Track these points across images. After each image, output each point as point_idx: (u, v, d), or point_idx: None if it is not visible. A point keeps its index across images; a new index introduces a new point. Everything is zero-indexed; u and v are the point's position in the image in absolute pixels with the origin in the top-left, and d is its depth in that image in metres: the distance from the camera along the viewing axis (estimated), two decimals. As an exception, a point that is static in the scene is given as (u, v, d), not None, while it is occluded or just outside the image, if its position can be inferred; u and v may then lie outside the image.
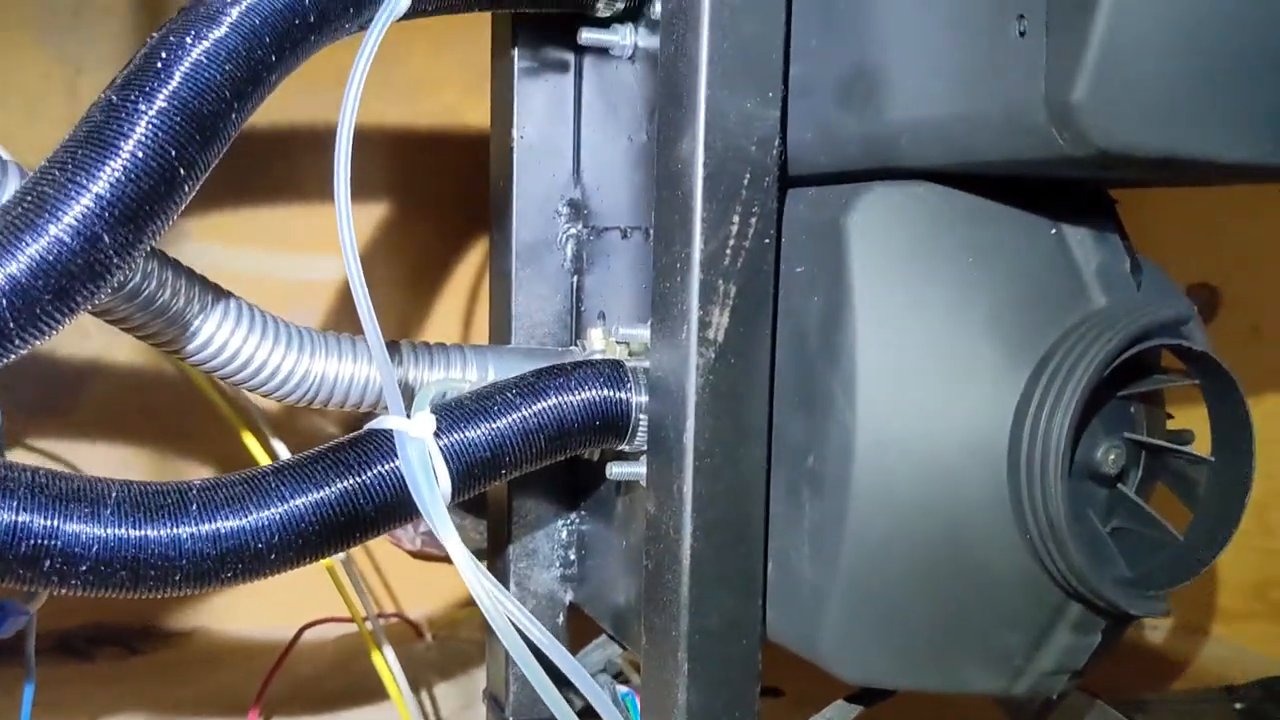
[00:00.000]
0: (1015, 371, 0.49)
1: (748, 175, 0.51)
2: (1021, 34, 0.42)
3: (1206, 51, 0.40)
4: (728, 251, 0.51)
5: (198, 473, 1.05)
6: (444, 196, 1.12)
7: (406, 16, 0.55)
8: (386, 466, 0.52)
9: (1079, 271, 0.50)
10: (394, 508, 0.52)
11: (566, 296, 0.71)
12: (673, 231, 0.52)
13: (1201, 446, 0.52)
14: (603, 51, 0.63)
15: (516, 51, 0.68)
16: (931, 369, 0.49)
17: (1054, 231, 0.51)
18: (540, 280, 0.70)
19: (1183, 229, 1.00)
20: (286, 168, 1.06)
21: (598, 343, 0.63)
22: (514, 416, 0.55)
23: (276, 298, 1.03)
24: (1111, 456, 0.51)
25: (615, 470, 0.59)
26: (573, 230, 0.70)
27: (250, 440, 0.66)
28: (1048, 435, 0.47)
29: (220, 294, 0.55)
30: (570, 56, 0.69)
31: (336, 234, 0.51)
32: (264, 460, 0.66)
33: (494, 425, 0.54)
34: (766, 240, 0.51)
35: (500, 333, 0.71)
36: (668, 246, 0.52)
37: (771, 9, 0.50)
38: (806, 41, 0.53)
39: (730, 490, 0.52)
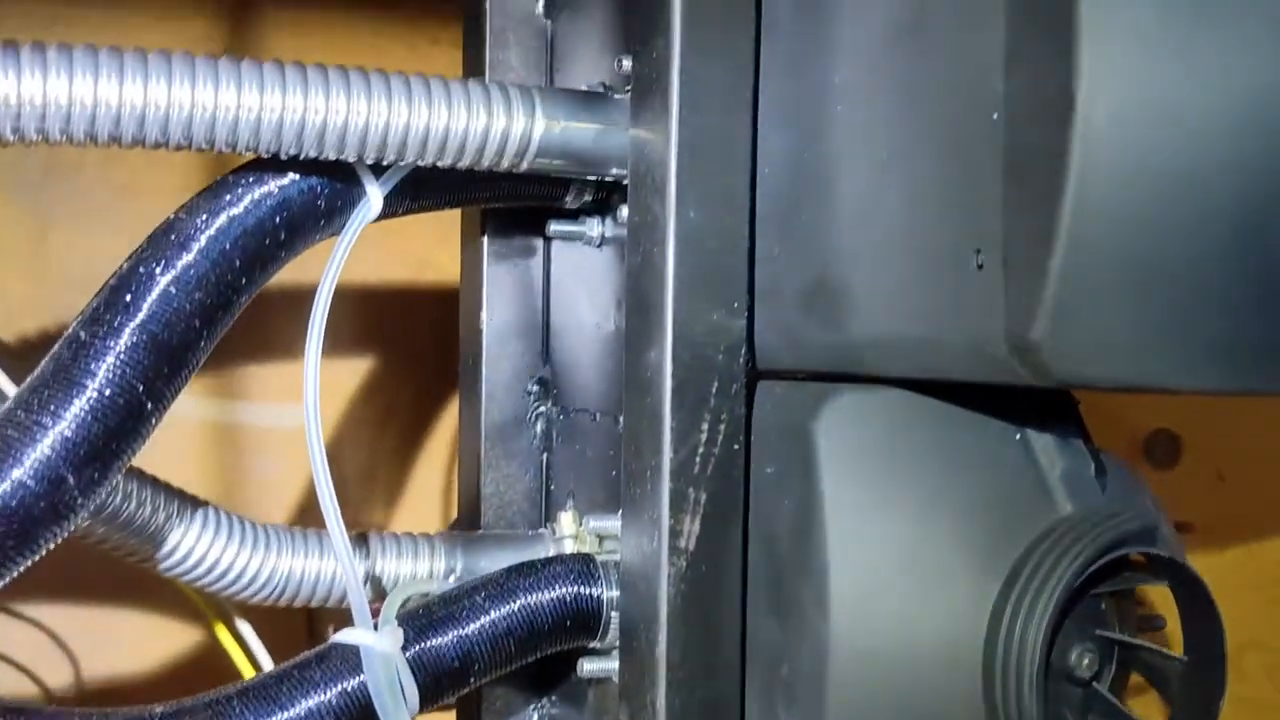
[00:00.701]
0: (986, 581, 0.49)
1: (715, 383, 0.51)
2: (980, 267, 0.43)
3: (1163, 286, 0.40)
4: (697, 459, 0.51)
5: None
6: (415, 344, 1.12)
7: (378, 219, 0.56)
8: (352, 683, 0.51)
9: (1044, 477, 0.51)
10: (361, 724, 0.51)
11: (536, 475, 0.71)
12: (642, 439, 0.52)
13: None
14: (573, 235, 0.65)
15: (486, 238, 0.69)
16: (904, 577, 0.49)
17: (1019, 436, 0.52)
18: (510, 459, 0.70)
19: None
20: (257, 319, 1.06)
21: (568, 527, 0.63)
22: (483, 621, 0.54)
23: (241, 447, 1.02)
24: (1085, 661, 0.51)
25: (587, 668, 0.58)
26: (542, 409, 0.70)
27: (224, 634, 0.65)
28: (1022, 649, 0.47)
29: (186, 500, 0.55)
30: (539, 240, 0.70)
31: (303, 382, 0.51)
32: (238, 654, 0.65)
33: (462, 632, 0.54)
34: (736, 446, 0.52)
35: (470, 512, 0.71)
36: (638, 453, 0.52)
37: (734, 224, 0.51)
38: (769, 248, 0.54)
39: (704, 702, 0.51)
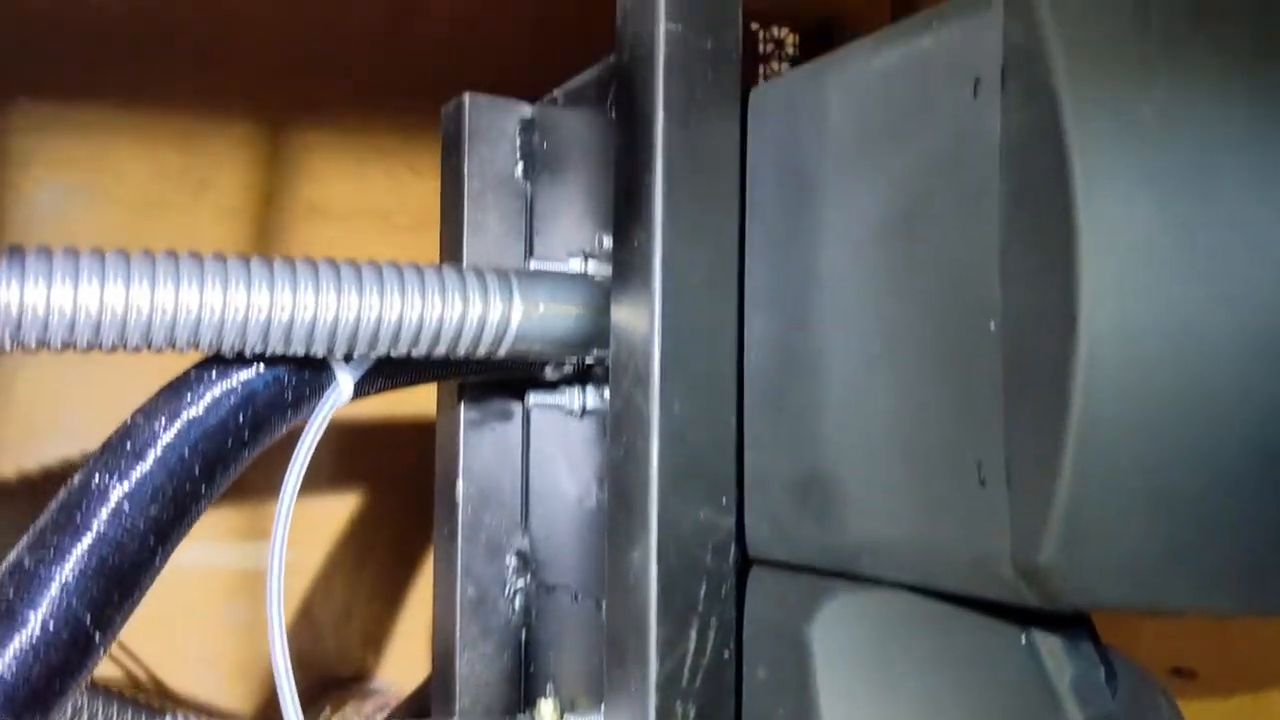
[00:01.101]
0: (994, 803, 0.46)
1: (704, 586, 0.48)
2: (982, 482, 0.41)
3: (1175, 508, 0.38)
4: (685, 670, 0.48)
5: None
6: (392, 480, 1.09)
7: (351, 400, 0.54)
8: None
9: (1053, 686, 0.48)
10: None
11: (515, 654, 0.67)
12: (626, 645, 0.49)
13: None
14: (553, 404, 0.62)
15: (462, 405, 0.67)
16: (905, 797, 0.46)
17: (1024, 640, 0.49)
18: (486, 638, 0.67)
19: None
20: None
21: (549, 718, 0.60)
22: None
23: (222, 588, 0.98)
24: None
25: None
26: (520, 584, 0.67)
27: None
28: None
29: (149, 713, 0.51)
30: (518, 407, 0.68)
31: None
32: None
33: None
34: (727, 654, 0.49)
35: (444, 694, 0.67)
36: (621, 660, 0.49)
37: (721, 414, 0.49)
38: (759, 431, 0.52)
39: None
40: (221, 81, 0.94)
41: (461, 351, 0.51)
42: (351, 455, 1.07)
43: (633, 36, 0.50)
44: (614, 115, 0.52)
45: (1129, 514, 0.38)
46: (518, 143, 0.68)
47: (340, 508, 1.08)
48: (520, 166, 0.68)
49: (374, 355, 0.50)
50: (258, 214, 1.00)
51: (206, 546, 0.98)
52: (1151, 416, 0.37)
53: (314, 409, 0.52)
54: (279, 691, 0.50)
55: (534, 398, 0.62)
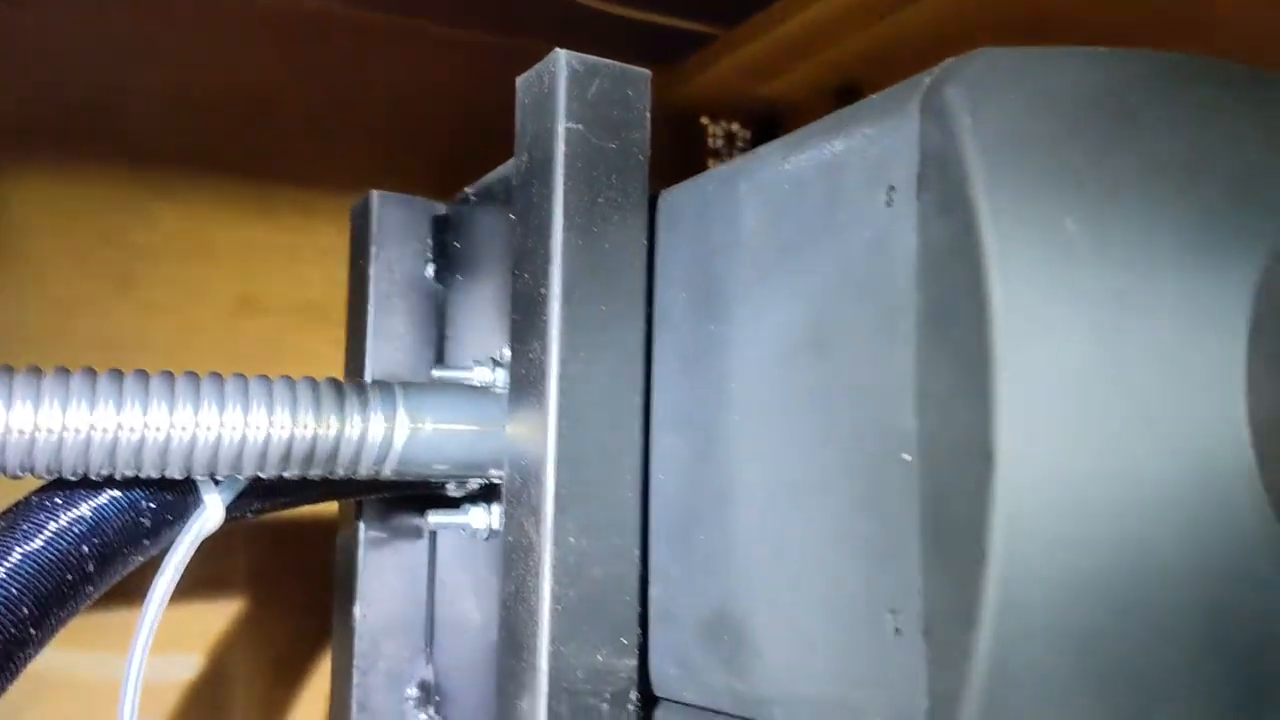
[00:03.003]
0: None
1: (600, 739, 0.43)
2: (897, 631, 0.36)
3: (1109, 671, 0.34)
4: (577, 836, 0.43)
5: None
6: (301, 592, 1.03)
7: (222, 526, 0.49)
8: None
9: None
10: None
11: (416, 796, 0.62)
12: (513, 808, 0.44)
13: None
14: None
15: (361, 523, 0.62)
16: None
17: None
18: (384, 780, 0.61)
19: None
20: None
21: None
22: None
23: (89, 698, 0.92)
24: None
25: None
26: (423, 717, 0.62)
27: None
28: None
29: None
30: (424, 525, 0.63)
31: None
32: None
33: None
34: (624, 815, 0.44)
35: (336, 843, 0.61)
36: (507, 824, 0.44)
37: (622, 547, 0.45)
38: (667, 562, 0.47)
39: None
40: (151, 174, 0.91)
41: (340, 472, 0.47)
42: (268, 562, 1.01)
43: (532, 137, 0.47)
44: (514, 218, 0.48)
45: (1058, 674, 0.34)
46: (429, 243, 0.65)
47: (257, 614, 1.02)
48: (432, 268, 0.64)
49: (241, 477, 0.46)
50: (184, 309, 0.96)
51: (82, 655, 0.92)
52: (1081, 565, 0.33)
53: (176, 536, 0.47)
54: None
55: (434, 517, 0.57)
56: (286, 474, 0.46)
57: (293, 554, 1.00)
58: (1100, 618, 0.34)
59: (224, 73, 0.91)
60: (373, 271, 0.63)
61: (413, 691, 0.62)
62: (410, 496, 0.62)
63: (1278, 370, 0.32)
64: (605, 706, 0.44)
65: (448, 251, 0.64)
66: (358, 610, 0.62)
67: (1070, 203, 0.34)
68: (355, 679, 0.61)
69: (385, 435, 0.46)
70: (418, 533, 0.63)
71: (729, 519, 0.44)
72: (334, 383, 0.47)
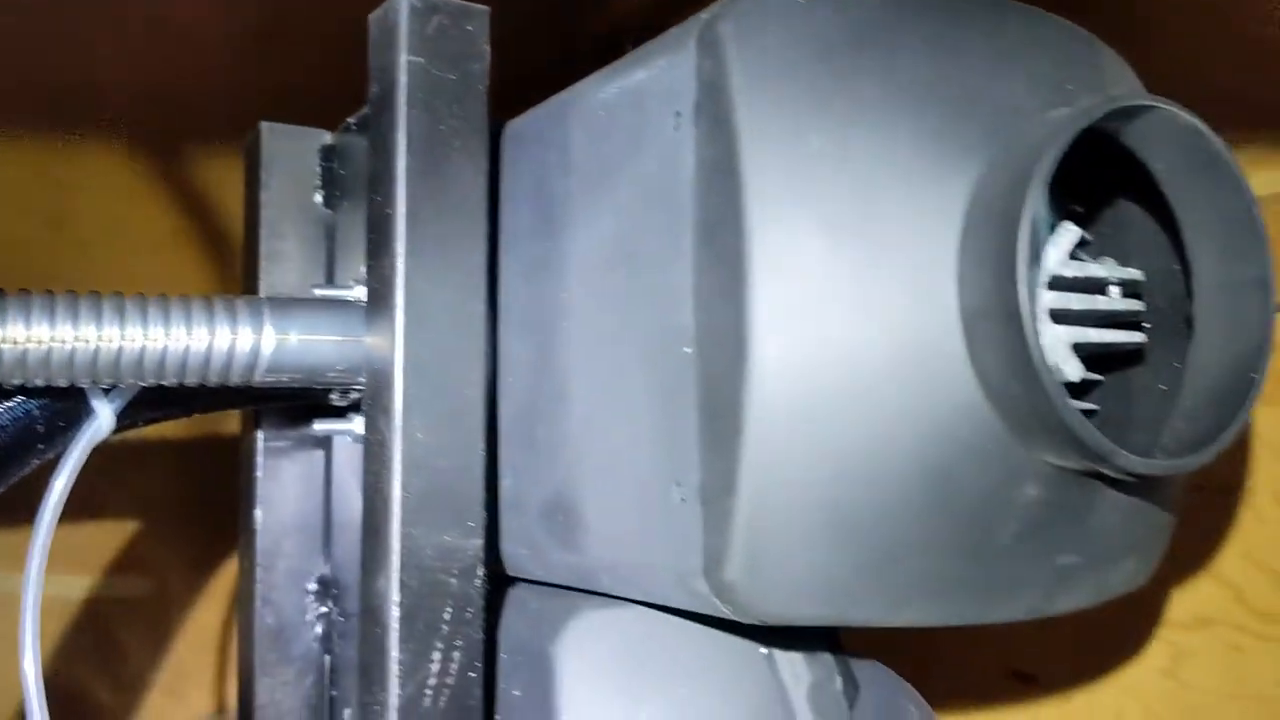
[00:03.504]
0: (726, 815, 0.47)
1: (449, 610, 0.49)
2: (682, 500, 0.42)
3: (852, 527, 0.40)
4: (427, 693, 0.48)
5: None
6: (197, 516, 1.07)
7: (114, 434, 0.54)
8: None
9: (788, 696, 0.49)
10: None
11: (318, 680, 0.67)
12: (372, 671, 0.49)
13: None
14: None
15: (260, 433, 0.67)
16: (643, 812, 0.47)
17: (765, 652, 0.50)
18: (287, 664, 0.67)
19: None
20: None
21: (337, 744, 0.60)
22: None
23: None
24: None
25: None
26: (323, 609, 0.68)
27: None
28: None
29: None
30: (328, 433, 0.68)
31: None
32: None
33: None
34: (472, 674, 0.49)
35: (246, 723, 0.67)
36: (368, 686, 0.50)
37: (466, 442, 0.50)
38: (514, 458, 0.53)
39: None
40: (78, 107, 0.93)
41: (214, 380, 0.51)
42: (149, 482, 1.05)
43: (379, 70, 0.51)
44: (368, 145, 0.52)
45: (808, 532, 0.40)
46: (318, 171, 0.69)
47: (136, 541, 1.06)
48: (320, 194, 0.68)
49: (123, 385, 0.50)
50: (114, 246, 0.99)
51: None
52: (823, 439, 0.39)
53: (70, 442, 0.52)
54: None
55: (319, 424, 0.62)
56: (164, 382, 0.51)
57: (191, 479, 1.04)
58: (841, 483, 0.39)
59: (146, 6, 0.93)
60: (264, 199, 0.67)
61: (312, 586, 0.68)
62: (303, 407, 0.66)
63: (983, 268, 0.37)
64: (453, 581, 0.49)
65: (334, 179, 0.68)
66: (258, 513, 0.67)
67: (816, 123, 0.39)
68: (258, 576, 0.67)
69: (253, 345, 0.51)
70: (314, 441, 0.68)
71: (563, 413, 0.50)
72: (207, 299, 0.51)
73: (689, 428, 0.41)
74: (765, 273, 0.38)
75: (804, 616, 0.41)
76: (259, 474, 0.67)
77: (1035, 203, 0.36)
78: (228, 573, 1.05)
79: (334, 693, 0.67)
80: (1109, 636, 0.99)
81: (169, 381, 0.51)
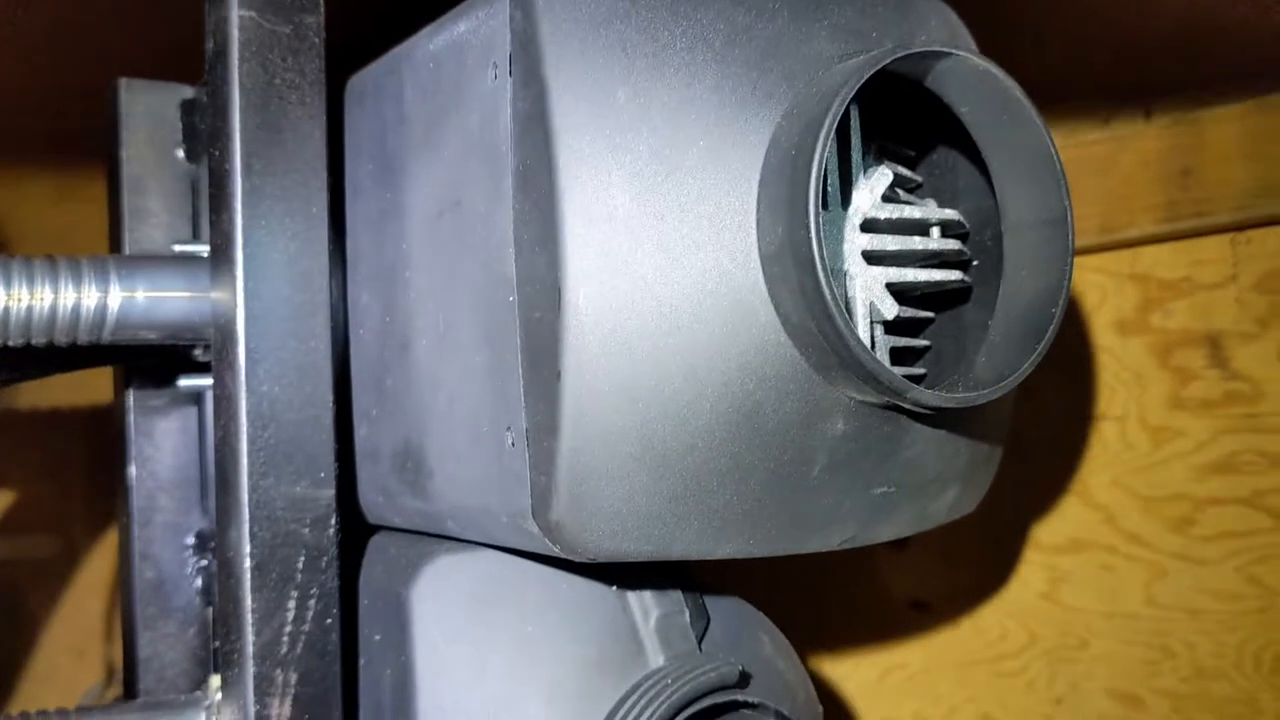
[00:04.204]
0: (575, 743, 0.49)
1: (302, 559, 0.50)
2: (513, 444, 0.43)
3: (670, 464, 0.41)
4: (284, 640, 0.50)
5: None
6: (88, 480, 1.07)
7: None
8: None
9: (636, 630, 0.51)
10: None
11: (201, 632, 0.68)
12: (229, 621, 0.50)
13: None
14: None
15: (131, 391, 0.67)
16: (495, 746, 0.49)
17: (614, 589, 0.52)
18: (167, 618, 0.68)
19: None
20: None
21: (215, 694, 0.61)
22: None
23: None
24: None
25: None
26: (203, 563, 0.68)
27: None
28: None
29: None
30: (194, 389, 0.68)
31: None
32: None
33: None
34: (329, 620, 0.50)
35: (129, 679, 0.68)
36: (226, 635, 0.51)
37: (315, 393, 0.50)
38: (368, 406, 0.54)
39: None
40: None
41: (62, 339, 0.51)
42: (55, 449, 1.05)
43: (214, 23, 0.51)
44: (205, 99, 0.52)
45: (626, 471, 0.41)
46: (179, 125, 0.68)
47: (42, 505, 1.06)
48: (182, 149, 0.68)
49: (-35, 348, 0.50)
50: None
51: None
52: (636, 379, 0.40)
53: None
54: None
55: (183, 381, 0.62)
56: (10, 343, 0.51)
57: (100, 439, 1.03)
58: (655, 421, 0.41)
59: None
60: (124, 155, 0.67)
61: (191, 540, 0.68)
62: (171, 365, 0.67)
63: (777, 213, 0.39)
64: (306, 531, 0.50)
65: (196, 133, 0.68)
66: (131, 470, 0.67)
67: (622, 75, 0.40)
68: (135, 531, 0.67)
69: (99, 303, 0.51)
70: (186, 398, 0.68)
71: (409, 364, 0.51)
72: (51, 259, 0.51)
73: (516, 374, 0.43)
74: (577, 222, 0.39)
75: (629, 552, 0.42)
76: (131, 432, 0.67)
77: (824, 146, 0.37)
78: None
79: (217, 644, 0.68)
80: (992, 565, 1.03)
81: (14, 342, 0.51)
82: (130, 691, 0.68)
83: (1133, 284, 0.90)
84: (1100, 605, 0.94)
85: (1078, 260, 0.88)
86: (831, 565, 1.11)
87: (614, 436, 0.40)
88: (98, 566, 1.09)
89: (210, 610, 0.69)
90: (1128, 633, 0.92)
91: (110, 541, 1.07)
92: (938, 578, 1.07)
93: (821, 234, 0.37)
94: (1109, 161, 0.86)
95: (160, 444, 0.68)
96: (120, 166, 0.67)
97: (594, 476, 0.41)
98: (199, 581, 0.68)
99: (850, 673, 1.11)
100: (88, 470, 1.07)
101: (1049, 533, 0.98)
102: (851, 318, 0.42)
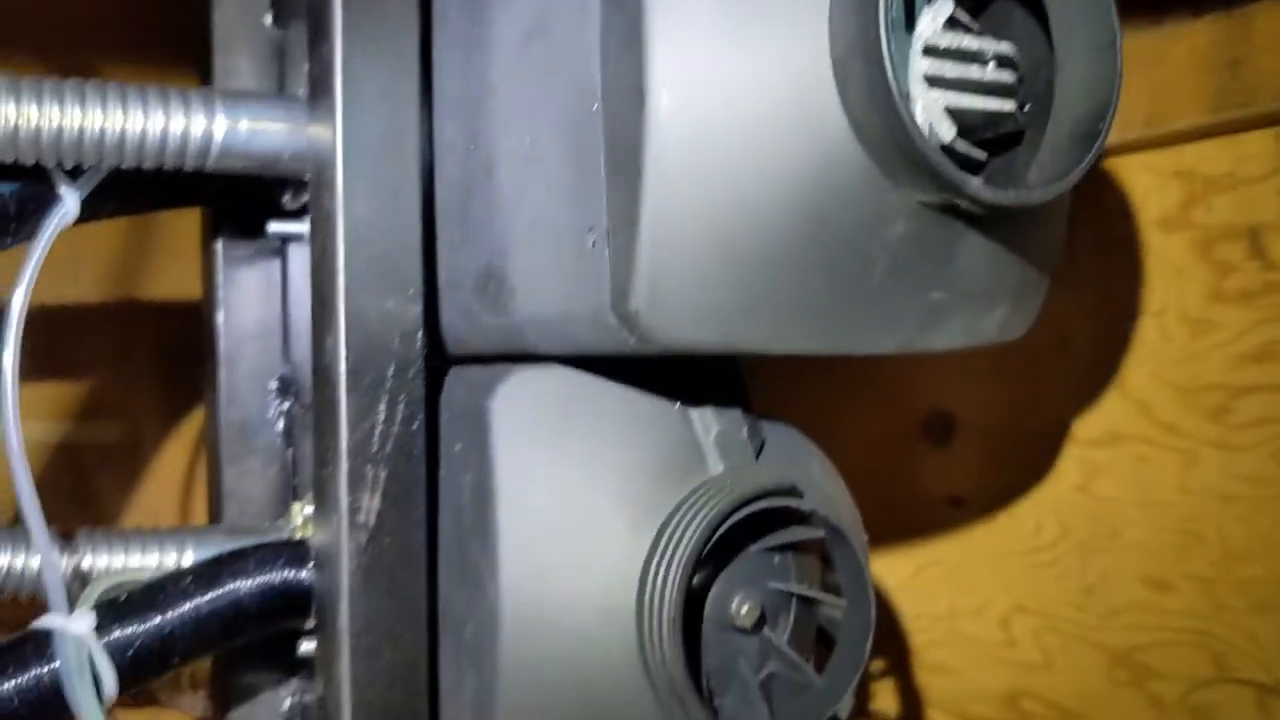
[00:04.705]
0: (640, 539, 0.53)
1: (392, 367, 0.54)
2: (593, 245, 0.47)
3: (742, 259, 0.45)
4: (375, 439, 0.54)
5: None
6: (159, 371, 1.12)
7: (77, 223, 0.58)
8: (45, 668, 0.52)
9: (698, 443, 0.55)
10: (55, 709, 0.53)
11: (281, 470, 0.73)
12: (324, 422, 0.55)
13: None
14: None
15: (220, 240, 0.71)
16: (567, 540, 0.53)
17: (677, 406, 0.55)
18: (251, 455, 0.72)
19: (917, 361, 1.07)
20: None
21: (296, 519, 0.65)
22: (186, 607, 0.56)
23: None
24: (744, 609, 0.55)
25: (304, 647, 0.61)
26: (285, 406, 0.73)
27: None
28: (663, 595, 0.51)
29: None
30: (277, 240, 0.72)
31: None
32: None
33: (164, 617, 0.56)
34: (415, 426, 0.55)
35: (213, 508, 0.73)
36: (321, 435, 0.55)
37: (404, 217, 0.54)
38: (451, 237, 0.57)
39: (390, 668, 0.54)
40: None
41: (170, 163, 0.55)
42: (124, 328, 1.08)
43: None
44: (306, -56, 0.56)
45: (703, 263, 0.45)
46: (269, -7, 0.72)
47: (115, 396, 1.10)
48: (270, 15, 0.72)
49: (85, 167, 0.55)
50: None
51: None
52: (712, 178, 0.44)
53: (39, 228, 0.56)
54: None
55: (274, 225, 0.67)
56: (124, 165, 0.55)
57: (164, 331, 1.08)
58: (728, 219, 0.44)
59: None
60: (215, 20, 0.71)
61: (274, 384, 0.73)
62: (258, 218, 0.71)
63: (849, 12, 0.42)
64: (396, 342, 0.54)
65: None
66: (220, 315, 0.72)
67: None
68: (222, 375, 0.72)
69: (205, 131, 0.55)
70: (271, 251, 0.72)
71: (493, 188, 0.54)
72: (162, 89, 0.55)
73: (598, 178, 0.46)
74: (660, 26, 0.43)
75: (700, 342, 0.46)
76: (219, 279, 0.71)
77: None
78: (196, 420, 1.10)
79: (296, 481, 0.73)
80: (1029, 461, 1.06)
81: (128, 164, 0.55)
82: (215, 521, 0.72)
83: (1176, 181, 0.92)
84: (1133, 495, 0.97)
85: (1123, 159, 0.90)
86: (873, 464, 1.14)
87: (690, 231, 0.44)
88: (165, 455, 1.14)
89: (291, 451, 0.73)
90: (1160, 521, 0.95)
91: (173, 431, 1.12)
92: (976, 474, 1.10)
93: (890, 33, 0.40)
94: (1157, 56, 0.88)
95: (246, 293, 0.72)
96: (211, 31, 0.71)
97: (670, 269, 0.44)
98: (281, 424, 0.73)
99: (888, 569, 1.15)
100: (155, 360, 1.12)
101: (1086, 427, 1.00)
102: (911, 134, 0.45)
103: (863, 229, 0.45)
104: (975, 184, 0.42)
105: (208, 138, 0.56)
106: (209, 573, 0.58)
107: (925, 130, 0.46)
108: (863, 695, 1.14)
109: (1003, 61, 0.49)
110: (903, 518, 1.14)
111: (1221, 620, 0.91)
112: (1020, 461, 1.08)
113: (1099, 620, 1.00)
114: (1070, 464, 1.02)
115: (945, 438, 1.15)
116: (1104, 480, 0.99)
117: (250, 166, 0.58)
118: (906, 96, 0.41)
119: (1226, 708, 0.90)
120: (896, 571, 1.14)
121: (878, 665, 1.10)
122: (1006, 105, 0.49)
